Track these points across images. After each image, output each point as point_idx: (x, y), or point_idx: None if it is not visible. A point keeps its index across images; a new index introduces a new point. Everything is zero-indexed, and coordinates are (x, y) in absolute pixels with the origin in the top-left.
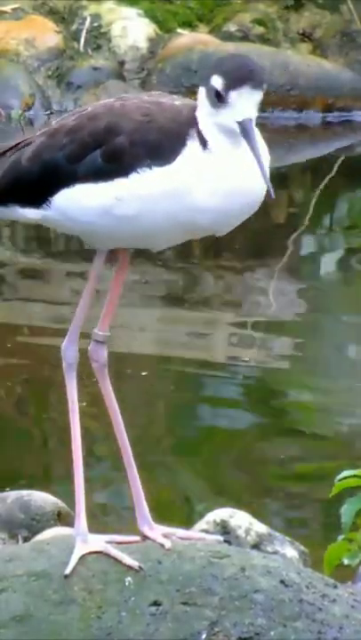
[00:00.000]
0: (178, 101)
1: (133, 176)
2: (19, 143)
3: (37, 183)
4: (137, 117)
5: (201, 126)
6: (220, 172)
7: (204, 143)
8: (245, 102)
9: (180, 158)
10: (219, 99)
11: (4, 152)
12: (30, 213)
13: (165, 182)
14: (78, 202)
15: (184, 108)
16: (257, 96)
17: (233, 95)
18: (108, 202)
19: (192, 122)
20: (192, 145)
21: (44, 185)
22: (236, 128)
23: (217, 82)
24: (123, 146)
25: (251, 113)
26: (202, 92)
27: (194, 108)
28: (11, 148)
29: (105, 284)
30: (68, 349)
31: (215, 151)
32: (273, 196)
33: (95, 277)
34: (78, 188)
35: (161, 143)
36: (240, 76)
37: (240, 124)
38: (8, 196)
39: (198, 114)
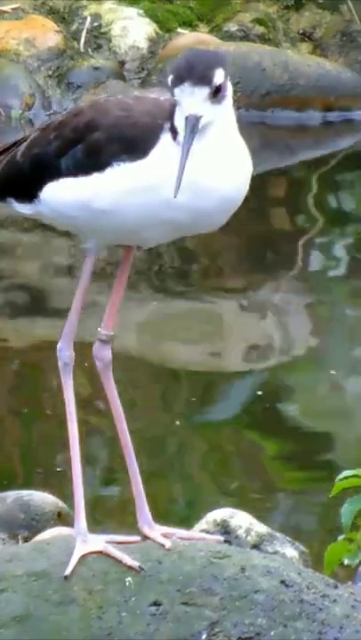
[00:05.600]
0: (165, 96)
1: (109, 171)
2: (19, 140)
3: (29, 177)
4: (115, 113)
5: (175, 121)
6: (187, 167)
7: (175, 137)
8: (187, 99)
9: (153, 152)
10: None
11: (8, 148)
12: (25, 208)
13: (139, 177)
14: (62, 196)
15: (166, 101)
16: (200, 92)
17: (177, 92)
18: (86, 196)
19: (169, 116)
20: (165, 139)
21: (35, 179)
22: (183, 123)
23: (169, 80)
24: (100, 141)
25: (195, 109)
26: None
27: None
28: (13, 145)
29: (105, 284)
30: (64, 349)
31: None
32: (174, 195)
33: (87, 276)
34: (62, 182)
35: (136, 138)
36: (180, 73)
37: (185, 119)
38: (5, 191)
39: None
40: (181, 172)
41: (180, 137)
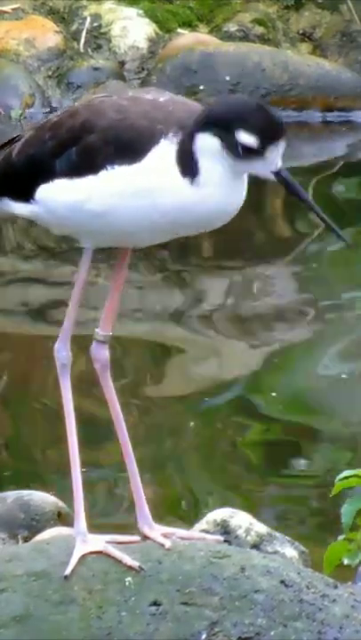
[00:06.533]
0: (164, 97)
1: (103, 173)
2: (15, 137)
3: (23, 177)
4: (111, 115)
5: (201, 166)
6: (201, 202)
7: (191, 174)
8: (278, 154)
9: (149, 156)
10: (250, 152)
11: (3, 146)
12: (20, 208)
13: (134, 180)
14: (56, 196)
15: (169, 104)
16: (283, 148)
17: (270, 149)
18: (79, 197)
19: (174, 121)
20: (166, 145)
21: (29, 179)
22: (271, 177)
23: (248, 139)
24: (94, 143)
25: (280, 161)
26: (209, 140)
27: (184, 107)
28: (8, 143)
29: (105, 284)
30: (61, 350)
31: (205, 186)
32: (346, 240)
33: (83, 277)
34: (56, 183)
35: (131, 140)
36: (275, 131)
37: (277, 174)
38: (0, 190)
39: (201, 157)
40: (326, 219)
41: (221, 177)
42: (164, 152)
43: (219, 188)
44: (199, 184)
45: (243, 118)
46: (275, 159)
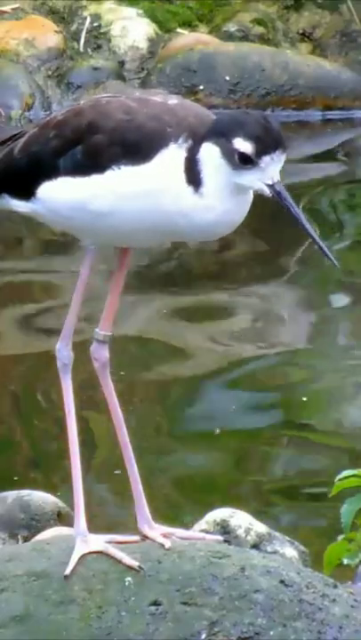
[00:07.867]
0: (173, 100)
1: (109, 173)
2: (17, 134)
3: (25, 174)
4: (118, 116)
5: (205, 176)
6: (203, 210)
7: (195, 183)
8: (275, 166)
9: (157, 158)
10: (245, 162)
11: (4, 142)
12: (20, 205)
13: (140, 181)
14: (58, 195)
15: (180, 108)
16: (282, 160)
17: (265, 160)
18: (83, 197)
19: (185, 127)
20: (175, 149)
21: (31, 176)
22: (266, 189)
23: (244, 146)
24: (101, 144)
25: (278, 175)
26: (211, 149)
27: (192, 111)
28: (9, 139)
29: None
30: (62, 350)
31: (207, 197)
32: (335, 263)
33: (85, 277)
34: (59, 182)
35: (139, 141)
36: (272, 141)
37: (271, 187)
38: (0, 187)
39: (204, 167)
40: (318, 240)
41: (224, 192)
42: (173, 156)
43: (220, 201)
44: (202, 194)
45: (241, 126)
46: (271, 171)
